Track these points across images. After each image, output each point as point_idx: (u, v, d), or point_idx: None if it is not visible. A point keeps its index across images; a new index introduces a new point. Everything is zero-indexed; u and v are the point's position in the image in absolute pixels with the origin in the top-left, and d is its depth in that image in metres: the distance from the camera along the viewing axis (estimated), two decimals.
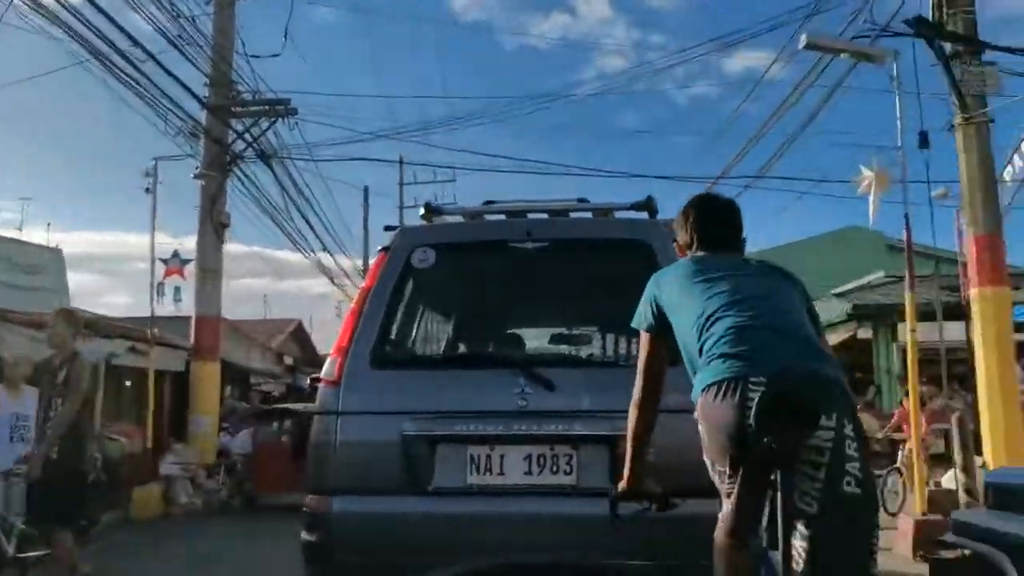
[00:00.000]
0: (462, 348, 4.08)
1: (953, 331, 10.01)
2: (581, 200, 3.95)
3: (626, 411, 2.85)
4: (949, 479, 6.89)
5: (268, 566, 6.83)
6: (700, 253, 2.56)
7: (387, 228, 3.74)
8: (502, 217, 3.82)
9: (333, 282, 22.13)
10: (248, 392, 21.32)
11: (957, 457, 6.41)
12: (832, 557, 2.03)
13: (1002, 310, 8.12)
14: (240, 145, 12.34)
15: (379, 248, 3.60)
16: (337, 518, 3.19)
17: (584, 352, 4.00)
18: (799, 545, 2.06)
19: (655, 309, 2.51)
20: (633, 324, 2.56)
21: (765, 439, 2.02)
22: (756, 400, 2.05)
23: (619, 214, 3.90)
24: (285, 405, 12.93)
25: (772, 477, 2.09)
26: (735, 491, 2.14)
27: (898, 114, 7.36)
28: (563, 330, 4.20)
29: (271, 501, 11.07)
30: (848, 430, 2.06)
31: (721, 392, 2.14)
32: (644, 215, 3.80)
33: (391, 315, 3.49)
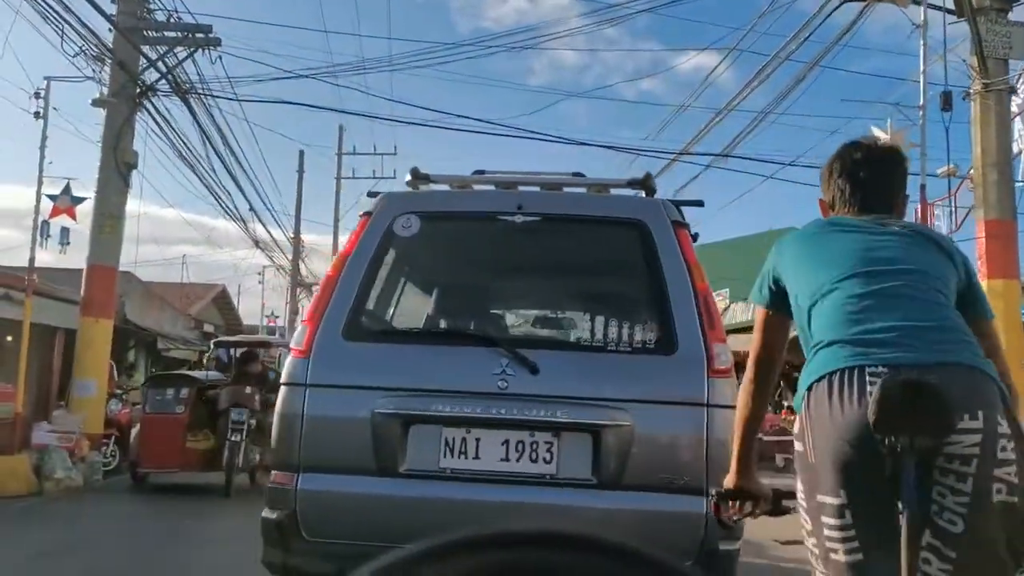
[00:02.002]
0: (442, 323, 3.98)
1: None
2: (576, 174, 3.90)
3: (612, 400, 3.01)
4: None
5: (140, 562, 5.94)
6: (837, 215, 2.13)
7: (370, 194, 3.65)
8: (491, 188, 3.74)
9: (258, 245, 21.44)
10: (158, 357, 19.27)
11: None
12: None
13: (1012, 306, 6.76)
14: (152, 76, 10.29)
15: (360, 213, 3.47)
16: (302, 496, 3.03)
17: (572, 335, 3.84)
18: (937, 571, 1.67)
19: (772, 280, 2.11)
20: (751, 297, 2.23)
21: (888, 441, 1.64)
22: (875, 393, 1.66)
23: (616, 191, 3.83)
24: (184, 371, 11.07)
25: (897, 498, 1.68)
26: (855, 525, 1.70)
27: (921, 66, 5.97)
28: (551, 310, 4.11)
29: (162, 480, 10.04)
30: (1003, 428, 1.67)
31: (833, 387, 1.76)
32: (641, 193, 3.74)
33: (368, 284, 3.33)
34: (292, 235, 26.00)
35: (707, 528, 2.89)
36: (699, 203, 4.26)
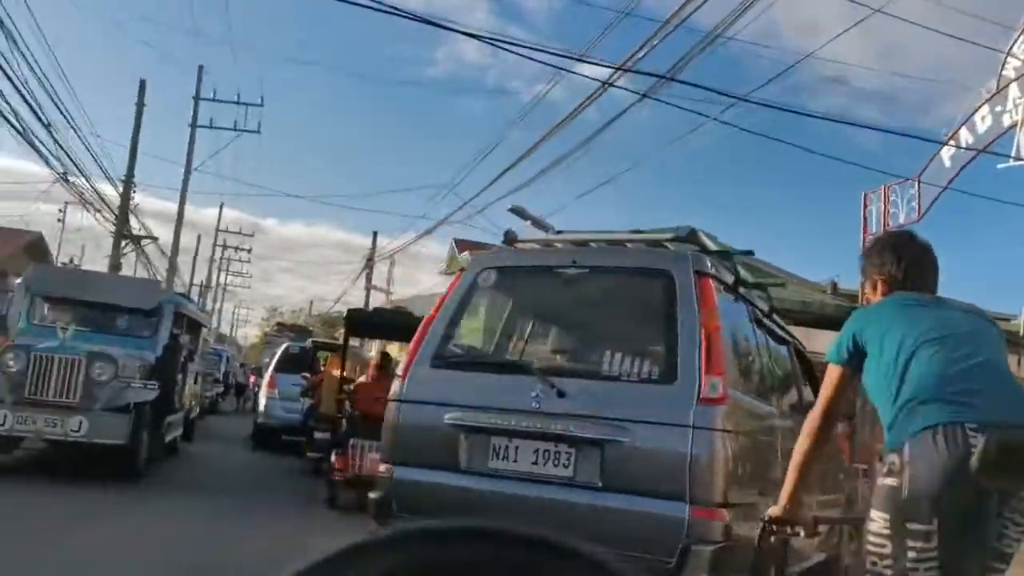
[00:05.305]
0: (499, 354, 4.79)
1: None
2: (635, 231, 4.70)
3: (617, 420, 3.75)
4: None
5: None
6: (904, 292, 2.71)
7: (469, 252, 5.21)
8: (565, 246, 4.61)
9: (65, 178, 17.28)
10: None
11: None
12: None
13: None
14: None
15: (457, 269, 4.65)
16: (396, 483, 4.09)
17: (595, 366, 4.39)
18: None
19: (853, 344, 2.61)
20: (827, 357, 2.74)
21: (982, 483, 2.21)
22: (980, 446, 2.19)
23: (672, 245, 4.56)
24: None
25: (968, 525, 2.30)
26: (938, 547, 2.21)
27: None
28: (584, 345, 4.73)
29: None
30: None
31: (938, 437, 2.26)
32: (692, 246, 4.41)
33: (453, 323, 4.33)
34: (123, 178, 20.92)
35: (686, 529, 3.52)
36: (750, 252, 4.94)
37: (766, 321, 5.04)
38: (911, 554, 2.23)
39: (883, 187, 9.77)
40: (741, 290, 4.58)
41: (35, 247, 27.62)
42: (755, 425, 4.11)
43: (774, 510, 2.74)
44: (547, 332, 4.93)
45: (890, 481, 2.31)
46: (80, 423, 7.85)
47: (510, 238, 4.74)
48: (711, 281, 3.98)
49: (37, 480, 8.36)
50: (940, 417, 2.25)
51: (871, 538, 2.34)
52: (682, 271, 3.91)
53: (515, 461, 3.89)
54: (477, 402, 4.03)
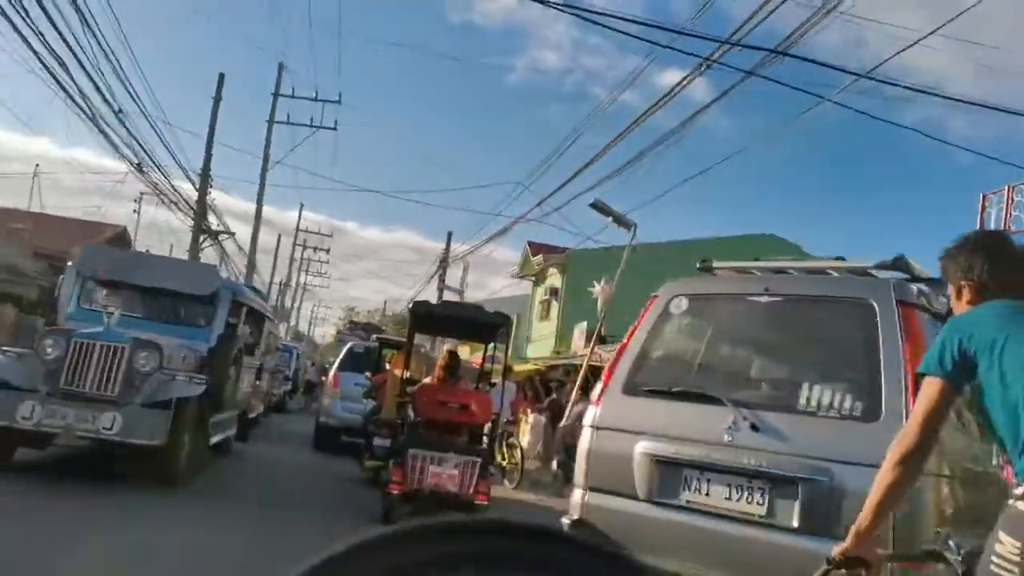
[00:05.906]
0: (691, 383, 4.60)
1: None
2: (838, 258, 4.51)
3: (817, 458, 3.55)
4: None
5: None
6: (1002, 301, 2.43)
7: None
8: (763, 273, 4.53)
9: (140, 169, 17.09)
10: None
11: None
12: None
13: None
14: None
15: (652, 294, 4.47)
16: (588, 507, 4.12)
17: (791, 399, 4.15)
18: None
19: (959, 352, 2.30)
20: (920, 368, 2.41)
21: None
22: None
23: (881, 273, 4.37)
24: None
25: None
26: None
27: None
28: (779, 376, 4.55)
29: None
30: None
31: None
32: (900, 274, 4.21)
33: (645, 351, 4.32)
34: (200, 172, 20.62)
35: None
36: None
37: None
38: None
39: (1007, 187, 8.58)
40: None
41: (119, 240, 27.86)
42: (970, 468, 3.70)
43: (844, 548, 2.37)
44: (740, 362, 4.75)
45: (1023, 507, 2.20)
46: (113, 420, 7.00)
47: (706, 265, 4.72)
48: (917, 311, 3.76)
49: (63, 480, 7.66)
50: None
51: (996, 559, 2.14)
52: (884, 301, 3.72)
53: (707, 495, 3.83)
54: (669, 432, 4.01)
